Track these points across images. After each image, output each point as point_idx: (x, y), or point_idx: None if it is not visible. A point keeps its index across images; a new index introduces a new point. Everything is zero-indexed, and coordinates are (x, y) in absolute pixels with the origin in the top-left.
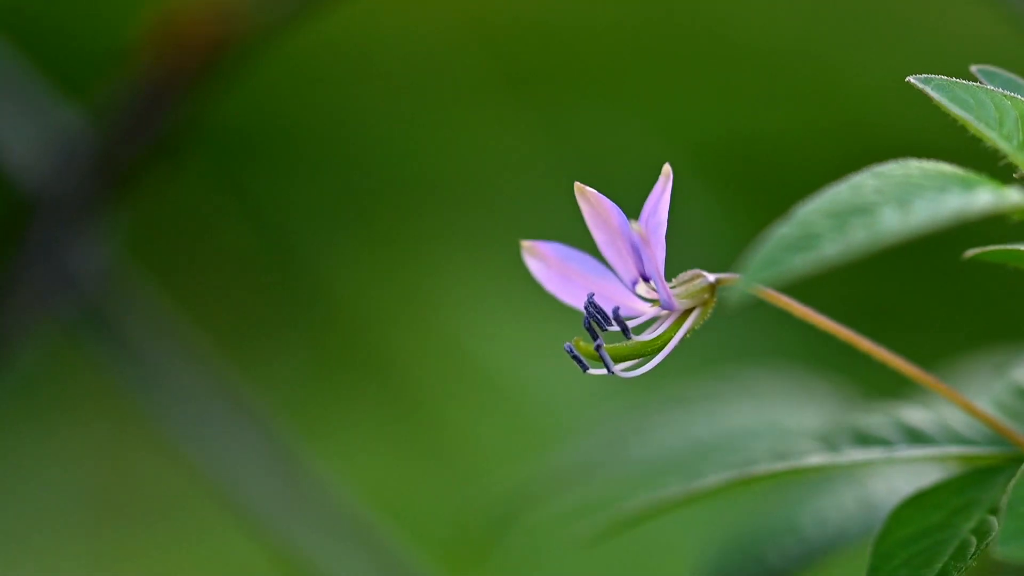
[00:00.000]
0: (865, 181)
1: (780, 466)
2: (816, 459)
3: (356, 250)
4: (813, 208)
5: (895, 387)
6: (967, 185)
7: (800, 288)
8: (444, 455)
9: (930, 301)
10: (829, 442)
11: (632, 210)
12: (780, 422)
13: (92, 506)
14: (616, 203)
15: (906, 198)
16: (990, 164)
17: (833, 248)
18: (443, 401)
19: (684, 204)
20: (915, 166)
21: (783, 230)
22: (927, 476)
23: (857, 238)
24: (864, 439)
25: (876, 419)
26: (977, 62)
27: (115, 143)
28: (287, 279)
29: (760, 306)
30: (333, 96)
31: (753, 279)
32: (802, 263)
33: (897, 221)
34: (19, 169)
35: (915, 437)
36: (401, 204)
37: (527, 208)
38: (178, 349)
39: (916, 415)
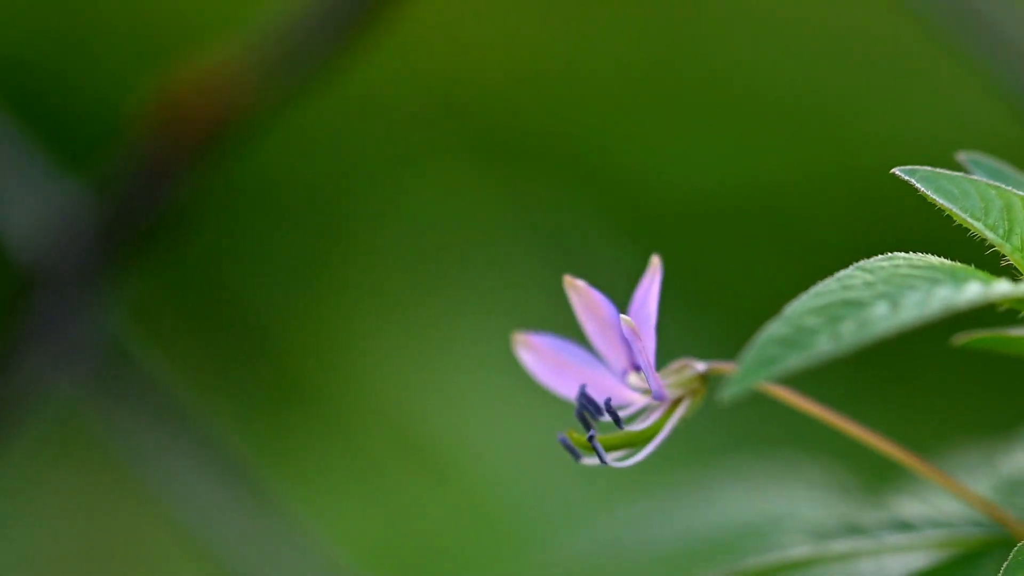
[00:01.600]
0: (854, 276)
1: (769, 559)
2: (804, 550)
3: (327, 314)
4: (802, 306)
5: (893, 469)
6: (955, 277)
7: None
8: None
9: (945, 372)
10: (820, 536)
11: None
12: (774, 512)
13: (82, 563)
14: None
15: (895, 293)
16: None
17: (827, 345)
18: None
19: (695, 254)
20: (902, 259)
21: (774, 328)
22: (918, 563)
23: (849, 334)
24: (855, 530)
25: (870, 515)
26: (986, 117)
27: (117, 215)
28: (283, 345)
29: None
30: (320, 161)
31: (747, 379)
32: (797, 361)
33: (887, 316)
34: (21, 242)
35: (906, 527)
36: (418, 268)
37: (509, 278)
38: (182, 420)
39: (909, 508)
